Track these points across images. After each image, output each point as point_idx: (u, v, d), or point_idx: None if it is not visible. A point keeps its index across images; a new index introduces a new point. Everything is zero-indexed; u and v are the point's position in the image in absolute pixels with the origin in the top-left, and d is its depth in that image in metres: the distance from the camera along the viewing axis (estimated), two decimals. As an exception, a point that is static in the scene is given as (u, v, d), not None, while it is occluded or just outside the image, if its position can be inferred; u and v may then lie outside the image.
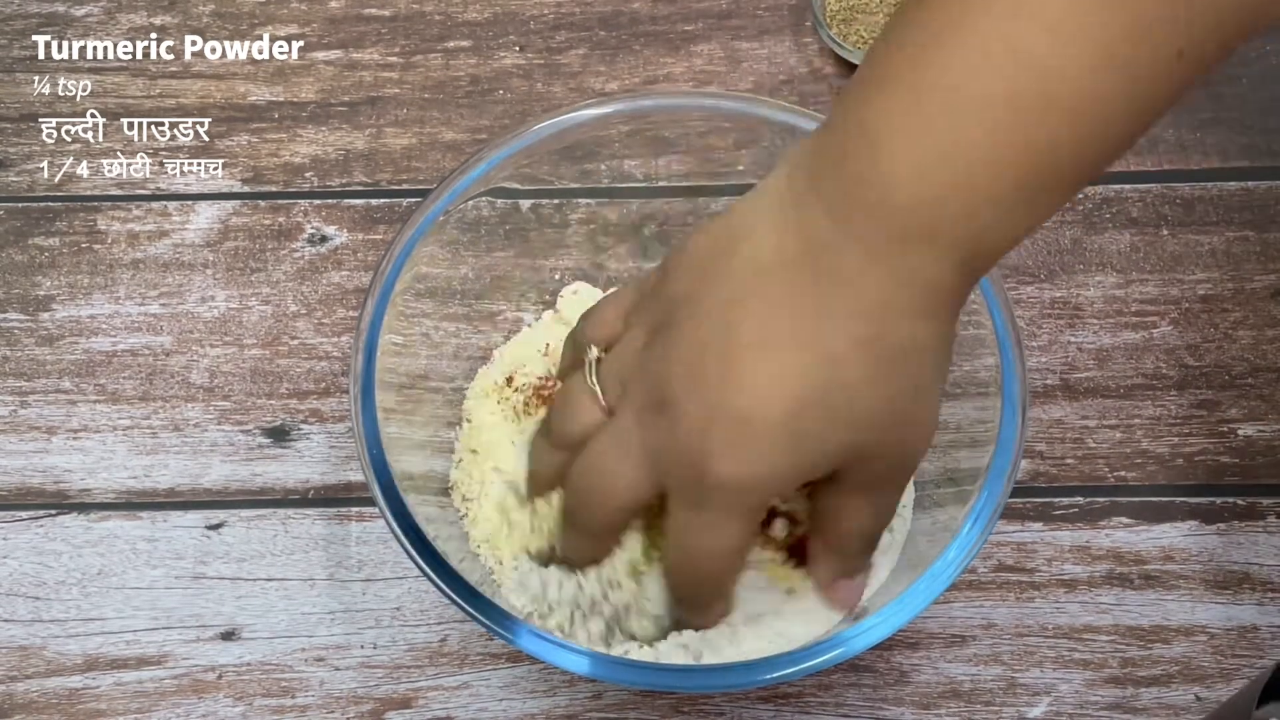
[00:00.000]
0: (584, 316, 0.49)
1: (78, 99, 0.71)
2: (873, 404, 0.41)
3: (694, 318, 0.42)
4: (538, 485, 0.50)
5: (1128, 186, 0.67)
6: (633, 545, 0.49)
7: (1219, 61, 0.38)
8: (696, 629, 0.49)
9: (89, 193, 0.68)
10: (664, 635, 0.50)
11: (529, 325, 0.60)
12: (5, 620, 0.58)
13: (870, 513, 0.46)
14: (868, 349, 0.40)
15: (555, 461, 0.48)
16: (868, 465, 0.43)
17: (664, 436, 0.43)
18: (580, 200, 0.60)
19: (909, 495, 0.55)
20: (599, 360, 0.47)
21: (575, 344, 0.50)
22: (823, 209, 0.40)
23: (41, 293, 0.65)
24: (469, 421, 0.57)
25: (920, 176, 0.38)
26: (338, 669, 0.56)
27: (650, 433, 0.43)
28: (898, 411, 0.42)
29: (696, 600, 0.47)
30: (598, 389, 0.46)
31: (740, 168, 0.59)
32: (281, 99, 0.71)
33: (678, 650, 0.49)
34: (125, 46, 0.73)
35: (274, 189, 0.68)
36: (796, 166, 0.42)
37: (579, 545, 0.49)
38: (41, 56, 0.72)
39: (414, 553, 0.49)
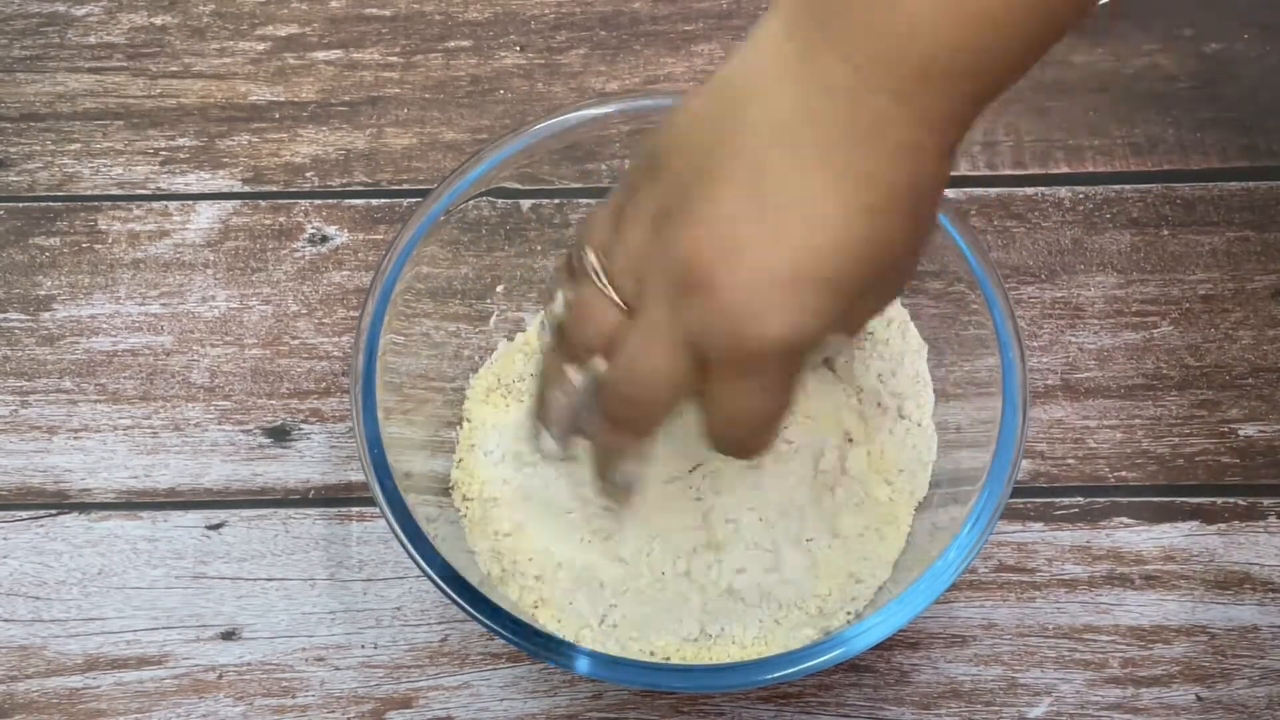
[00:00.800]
0: (580, 229, 0.47)
1: (78, 99, 0.71)
2: (908, 247, 0.42)
3: (713, 192, 0.41)
4: (551, 412, 0.49)
5: (1128, 187, 0.67)
6: None
7: None
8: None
9: (89, 193, 0.68)
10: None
11: (529, 325, 0.60)
12: (5, 620, 0.58)
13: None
14: (903, 197, 0.40)
15: (572, 379, 0.47)
16: (878, 289, 0.44)
17: (701, 314, 0.41)
18: (580, 200, 0.60)
19: (921, 490, 0.55)
20: (600, 264, 0.45)
21: (573, 260, 0.47)
22: (838, 56, 0.39)
23: (42, 292, 0.65)
24: (468, 421, 0.57)
25: (937, 15, 0.38)
26: (338, 669, 0.56)
27: (684, 315, 0.41)
28: (920, 246, 0.43)
29: (745, 452, 0.46)
30: (610, 291, 0.44)
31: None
32: (282, 99, 0.71)
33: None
34: (125, 47, 0.73)
35: (274, 189, 0.68)
36: (794, 18, 0.40)
37: (624, 445, 0.47)
38: (41, 56, 0.72)
39: (414, 553, 0.49)
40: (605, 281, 0.44)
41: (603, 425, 0.46)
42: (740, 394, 0.43)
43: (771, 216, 0.40)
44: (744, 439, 0.45)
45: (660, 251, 0.42)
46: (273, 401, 0.62)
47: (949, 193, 0.44)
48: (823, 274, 0.40)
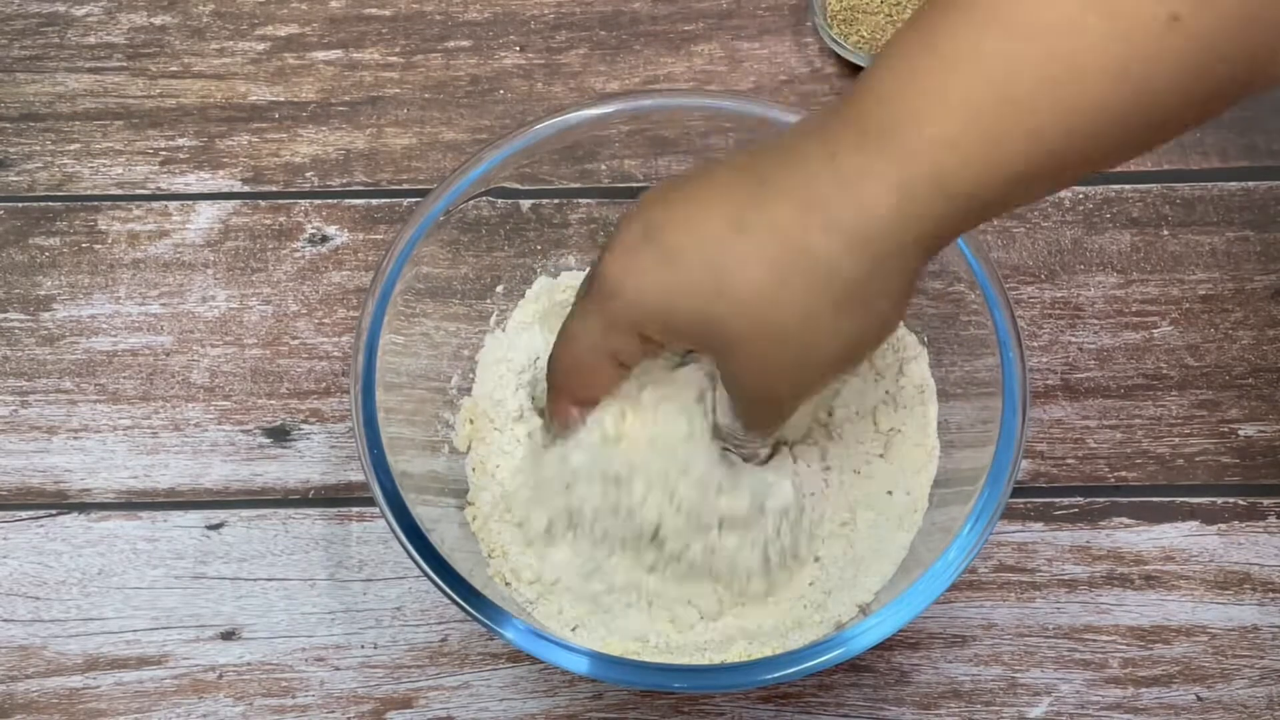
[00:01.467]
0: None
1: (78, 99, 0.71)
2: (754, 287, 0.41)
3: (650, 206, 0.45)
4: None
5: (1128, 186, 0.67)
6: None
7: (1222, 40, 0.38)
8: (550, 426, 0.51)
9: (89, 193, 0.68)
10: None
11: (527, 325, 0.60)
12: (5, 620, 0.58)
13: (733, 406, 0.48)
14: (776, 235, 0.41)
15: None
16: (732, 361, 0.44)
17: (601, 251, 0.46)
18: (580, 200, 0.60)
19: (921, 500, 0.55)
20: None
21: None
22: (817, 116, 0.42)
23: (42, 292, 0.65)
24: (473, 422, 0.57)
25: (901, 84, 0.39)
26: (338, 669, 0.56)
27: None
28: (779, 313, 0.42)
29: (551, 383, 0.50)
30: None
31: (740, 168, 0.59)
32: (282, 99, 0.71)
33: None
34: (125, 47, 0.73)
35: (274, 189, 0.68)
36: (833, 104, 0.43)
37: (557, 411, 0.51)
38: (41, 56, 0.72)
39: (414, 552, 0.49)
40: None
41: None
42: (573, 312, 0.47)
43: (679, 193, 0.43)
44: (557, 367, 0.49)
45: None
46: (273, 401, 0.62)
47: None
48: (666, 242, 0.43)
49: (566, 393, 0.49)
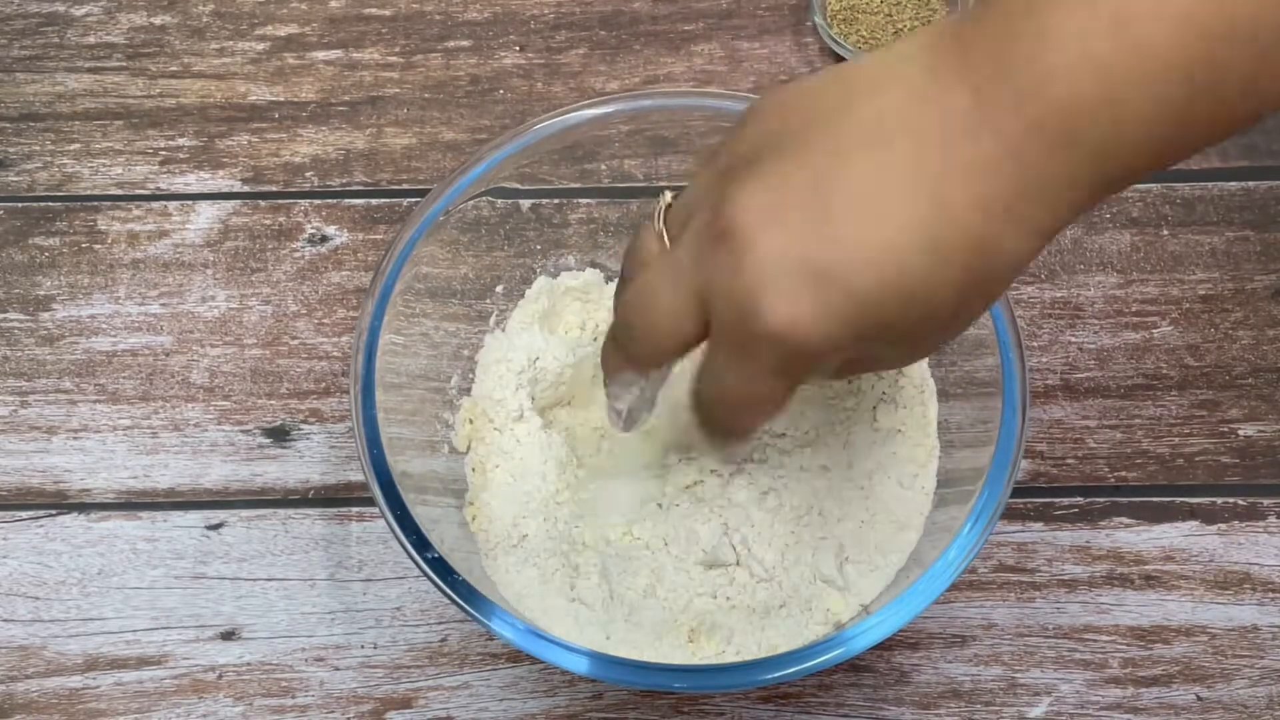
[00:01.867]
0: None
1: (77, 99, 0.71)
2: (950, 310, 0.39)
3: (784, 162, 0.39)
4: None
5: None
6: None
7: None
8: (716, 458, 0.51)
9: (89, 193, 0.68)
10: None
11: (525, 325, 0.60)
12: (5, 620, 0.58)
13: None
14: (970, 254, 0.38)
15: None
16: (896, 342, 0.41)
17: (719, 269, 0.39)
18: (580, 200, 0.60)
19: (927, 504, 0.55)
20: (669, 205, 0.44)
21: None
22: (967, 87, 0.37)
23: (42, 292, 0.65)
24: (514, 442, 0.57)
25: (1083, 73, 0.36)
26: (338, 669, 0.56)
27: (706, 262, 0.40)
28: (962, 320, 0.40)
29: (716, 438, 0.45)
30: (660, 225, 0.43)
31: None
32: (281, 99, 0.71)
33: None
34: (125, 47, 0.73)
35: (274, 189, 0.68)
36: (944, 36, 0.39)
37: (619, 368, 0.46)
38: (41, 56, 0.72)
39: (414, 552, 0.49)
40: (663, 223, 0.43)
41: (607, 340, 0.46)
42: (728, 370, 0.41)
43: (830, 208, 0.38)
44: (721, 418, 0.44)
45: (712, 198, 0.41)
46: (272, 401, 0.62)
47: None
48: (852, 287, 0.38)
49: (739, 444, 0.47)
